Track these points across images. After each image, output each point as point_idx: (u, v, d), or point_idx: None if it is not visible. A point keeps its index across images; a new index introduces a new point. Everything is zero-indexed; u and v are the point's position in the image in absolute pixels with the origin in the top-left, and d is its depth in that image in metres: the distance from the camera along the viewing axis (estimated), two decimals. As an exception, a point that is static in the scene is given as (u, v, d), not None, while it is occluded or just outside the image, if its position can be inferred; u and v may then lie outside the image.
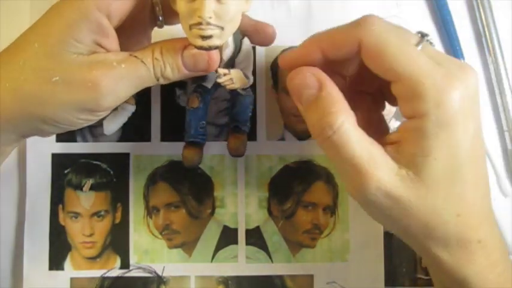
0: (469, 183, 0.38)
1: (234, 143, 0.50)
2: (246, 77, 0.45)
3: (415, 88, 0.36)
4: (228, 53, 0.44)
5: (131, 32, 0.44)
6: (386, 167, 0.38)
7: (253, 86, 0.50)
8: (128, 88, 0.41)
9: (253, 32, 0.45)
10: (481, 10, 0.55)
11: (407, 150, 0.38)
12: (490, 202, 0.41)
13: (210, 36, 0.38)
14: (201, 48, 0.39)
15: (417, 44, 0.38)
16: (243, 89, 0.47)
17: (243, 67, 0.45)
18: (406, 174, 0.38)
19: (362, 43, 0.38)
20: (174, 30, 0.45)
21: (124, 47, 0.42)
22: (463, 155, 0.37)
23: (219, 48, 0.41)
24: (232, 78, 0.44)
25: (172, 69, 0.41)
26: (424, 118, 0.37)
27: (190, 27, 0.38)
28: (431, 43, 0.40)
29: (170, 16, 0.44)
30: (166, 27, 0.45)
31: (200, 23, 0.38)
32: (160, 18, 0.44)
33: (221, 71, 0.43)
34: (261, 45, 0.46)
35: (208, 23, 0.38)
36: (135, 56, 0.40)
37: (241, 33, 0.44)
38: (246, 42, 0.45)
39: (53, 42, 0.39)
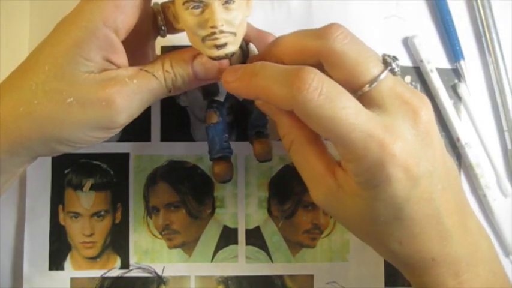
0: (412, 219, 0.39)
1: (260, 148, 0.48)
2: None
3: (348, 155, 0.38)
4: (236, 60, 0.43)
5: (135, 44, 0.44)
6: (324, 189, 0.41)
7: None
8: (142, 103, 0.41)
9: (256, 40, 0.45)
10: (481, 10, 0.55)
11: (350, 186, 0.39)
12: (451, 221, 0.41)
13: (225, 44, 0.39)
14: (218, 58, 0.39)
15: (377, 77, 0.38)
16: None
17: None
18: (345, 200, 0.40)
19: (294, 110, 0.38)
20: (176, 39, 0.45)
21: (129, 59, 0.42)
22: (402, 203, 0.38)
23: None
24: None
25: (184, 80, 0.42)
26: (357, 177, 0.38)
27: (203, 39, 0.38)
28: (394, 72, 0.39)
29: (172, 25, 0.43)
30: (169, 36, 0.45)
31: (214, 33, 0.38)
32: (163, 27, 0.43)
33: None
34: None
35: (222, 31, 0.38)
36: (146, 71, 0.40)
37: (245, 40, 0.44)
38: (253, 47, 0.45)
39: (62, 63, 0.38)
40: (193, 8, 0.38)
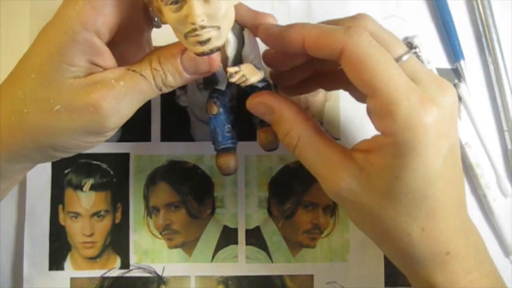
0: (437, 201, 0.39)
1: (265, 137, 0.46)
2: (258, 68, 0.43)
3: (388, 107, 0.37)
4: (231, 49, 0.42)
5: (129, 40, 0.43)
6: (346, 173, 0.40)
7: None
8: (131, 105, 0.40)
9: (253, 23, 0.43)
10: (481, 10, 0.55)
11: (374, 162, 0.39)
12: (463, 215, 0.41)
13: (208, 40, 0.36)
14: (202, 54, 0.37)
15: (401, 56, 0.39)
16: (259, 81, 0.44)
17: (251, 59, 0.43)
18: (368, 182, 0.39)
19: (344, 52, 0.38)
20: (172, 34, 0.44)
21: (125, 56, 0.41)
22: (431, 176, 0.38)
23: (221, 47, 0.39)
24: (245, 74, 0.41)
25: (174, 77, 0.40)
26: (392, 138, 0.37)
27: (186, 36, 0.36)
28: (418, 56, 0.40)
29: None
30: (165, 26, 0.42)
31: (195, 29, 0.36)
32: (156, 18, 0.41)
33: (231, 69, 0.41)
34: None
35: (203, 27, 0.36)
36: (133, 70, 0.39)
37: (241, 25, 0.42)
38: (249, 33, 0.43)
39: (47, 70, 0.37)
40: (171, 3, 0.36)
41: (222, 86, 0.45)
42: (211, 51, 0.37)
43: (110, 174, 0.55)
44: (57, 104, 0.38)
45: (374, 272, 0.54)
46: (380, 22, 0.54)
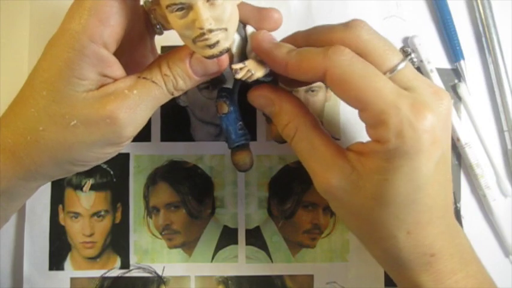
0: (425, 205, 0.39)
1: (277, 130, 0.46)
2: (262, 62, 0.43)
3: (379, 118, 0.37)
4: (235, 46, 0.42)
5: (132, 48, 0.43)
6: (338, 170, 0.40)
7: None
8: (146, 112, 0.40)
9: (258, 20, 0.43)
10: (481, 10, 0.55)
11: (366, 163, 0.39)
12: (449, 218, 0.42)
13: (217, 42, 0.37)
14: (212, 57, 0.38)
15: (397, 65, 0.39)
16: (264, 76, 0.44)
17: (255, 55, 0.43)
18: (359, 182, 0.39)
19: (327, 74, 0.38)
20: (176, 37, 0.44)
21: (130, 64, 0.41)
22: (422, 181, 0.38)
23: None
24: (250, 70, 0.42)
25: (184, 80, 0.41)
26: (385, 145, 0.37)
27: (194, 41, 0.37)
28: (413, 62, 0.41)
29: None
30: (167, 32, 0.43)
31: (203, 34, 0.36)
32: (158, 25, 0.42)
33: (236, 66, 0.41)
34: (268, 31, 0.44)
35: (211, 30, 0.36)
36: (144, 78, 0.40)
37: (242, 22, 0.42)
38: (250, 29, 0.43)
39: (59, 86, 0.38)
40: (177, 10, 0.36)
41: (229, 84, 0.46)
42: (221, 53, 0.38)
43: (110, 174, 0.55)
44: (72, 119, 0.38)
45: (374, 272, 0.54)
46: (380, 22, 0.55)
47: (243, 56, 0.43)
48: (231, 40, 0.39)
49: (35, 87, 0.38)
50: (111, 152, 0.42)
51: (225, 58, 0.41)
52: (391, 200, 0.39)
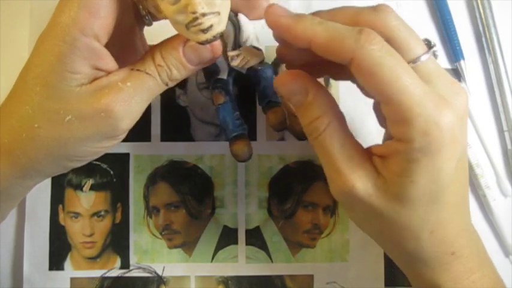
0: (448, 204, 0.39)
1: (275, 117, 0.46)
2: (257, 49, 0.43)
3: (404, 115, 0.36)
4: (229, 35, 0.42)
5: (122, 40, 0.43)
6: (364, 173, 0.39)
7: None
8: (141, 104, 0.40)
9: (247, 8, 0.42)
10: (481, 10, 0.55)
11: (390, 166, 0.38)
12: (467, 216, 0.42)
13: (210, 26, 0.36)
14: (206, 42, 0.37)
15: (420, 56, 0.38)
16: (260, 63, 0.45)
17: (249, 43, 0.43)
18: (383, 186, 0.38)
19: (354, 61, 0.36)
20: (165, 25, 0.42)
21: (120, 57, 0.41)
22: (445, 179, 0.37)
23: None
24: (245, 57, 0.42)
25: (178, 70, 0.40)
26: (409, 144, 0.36)
27: (187, 26, 0.36)
28: (435, 55, 0.40)
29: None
30: (156, 23, 0.43)
31: (196, 18, 0.35)
32: (147, 16, 0.41)
33: (231, 53, 0.41)
34: (257, 19, 0.43)
35: (204, 14, 0.35)
36: (138, 69, 0.39)
37: (233, 11, 0.42)
38: (243, 18, 0.43)
39: (52, 81, 0.37)
40: None
41: (223, 75, 0.46)
42: (215, 38, 0.37)
43: (110, 174, 0.55)
44: (67, 115, 0.38)
45: (374, 272, 0.54)
46: (380, 22, 0.55)
47: (236, 45, 0.43)
48: (225, 24, 0.38)
49: (28, 83, 0.38)
50: (107, 146, 0.41)
51: (218, 44, 0.40)
52: (416, 200, 0.38)
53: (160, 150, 0.55)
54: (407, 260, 0.42)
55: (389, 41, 0.37)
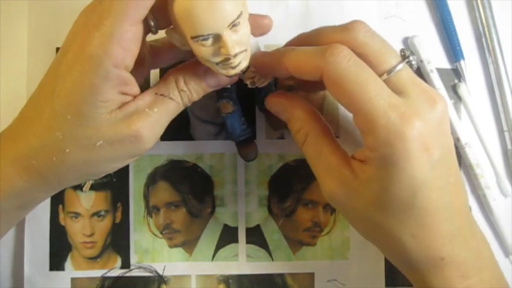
0: (425, 209, 0.40)
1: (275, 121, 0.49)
2: None
3: (368, 125, 0.38)
4: None
5: None
6: (340, 178, 0.42)
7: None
8: (164, 125, 0.42)
9: (253, 28, 0.43)
10: (481, 10, 0.55)
11: (365, 171, 0.40)
12: (462, 221, 0.42)
13: (239, 63, 0.39)
14: (234, 75, 0.40)
15: (395, 66, 0.40)
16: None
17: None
18: (360, 189, 0.41)
19: (323, 76, 0.39)
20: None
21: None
22: (417, 186, 0.39)
23: None
24: (261, 77, 0.45)
25: (198, 93, 0.43)
26: (375, 153, 0.39)
27: (218, 64, 0.39)
28: (411, 64, 0.41)
29: (161, 20, 0.42)
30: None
31: (228, 59, 0.38)
32: (153, 23, 0.42)
33: (248, 76, 0.44)
34: (259, 35, 0.46)
35: (236, 55, 0.38)
36: (162, 94, 0.42)
37: None
38: (252, 39, 0.44)
39: (84, 111, 0.39)
40: (203, 40, 0.37)
41: (228, 85, 0.46)
42: (242, 72, 0.40)
43: (109, 174, 0.55)
44: (98, 140, 0.40)
45: (374, 270, 0.54)
46: (380, 22, 0.55)
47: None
48: (249, 57, 0.40)
49: (57, 111, 0.39)
50: (130, 162, 0.44)
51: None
52: (390, 206, 0.40)
53: (160, 150, 0.55)
54: (398, 261, 0.44)
55: (361, 56, 0.40)
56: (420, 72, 0.55)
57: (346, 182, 0.41)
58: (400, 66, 0.40)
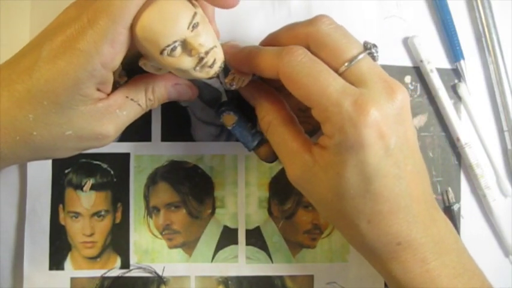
0: (381, 196, 0.41)
1: (264, 152, 0.50)
2: None
3: (323, 114, 0.40)
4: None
5: None
6: (300, 163, 0.43)
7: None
8: (127, 124, 0.45)
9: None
10: (481, 10, 0.55)
11: (324, 157, 0.42)
12: (421, 208, 0.43)
13: (214, 61, 0.41)
14: (215, 75, 0.42)
15: (356, 56, 0.41)
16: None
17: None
18: (319, 174, 0.42)
19: (279, 74, 0.42)
20: None
21: None
22: (371, 173, 0.40)
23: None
24: (240, 77, 0.46)
25: (159, 103, 0.47)
26: (331, 139, 0.41)
27: (195, 69, 0.41)
28: (373, 56, 0.42)
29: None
30: None
31: (202, 58, 0.40)
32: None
33: (228, 80, 0.46)
34: (225, 8, 0.43)
35: (207, 52, 0.40)
36: (132, 99, 0.44)
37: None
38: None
39: (62, 100, 0.40)
40: (172, 51, 0.39)
41: (224, 97, 0.50)
42: (221, 68, 0.42)
43: (110, 174, 0.55)
44: (68, 130, 0.42)
45: (374, 273, 0.53)
46: (380, 22, 0.55)
47: (225, 70, 0.45)
48: (222, 53, 0.42)
49: (34, 94, 0.40)
50: (86, 151, 0.46)
51: (196, 90, 0.49)
52: (345, 191, 0.41)
53: (160, 150, 0.55)
54: (357, 246, 0.45)
55: (321, 46, 0.42)
56: (420, 72, 0.55)
57: (307, 167, 0.43)
58: (361, 56, 0.41)
